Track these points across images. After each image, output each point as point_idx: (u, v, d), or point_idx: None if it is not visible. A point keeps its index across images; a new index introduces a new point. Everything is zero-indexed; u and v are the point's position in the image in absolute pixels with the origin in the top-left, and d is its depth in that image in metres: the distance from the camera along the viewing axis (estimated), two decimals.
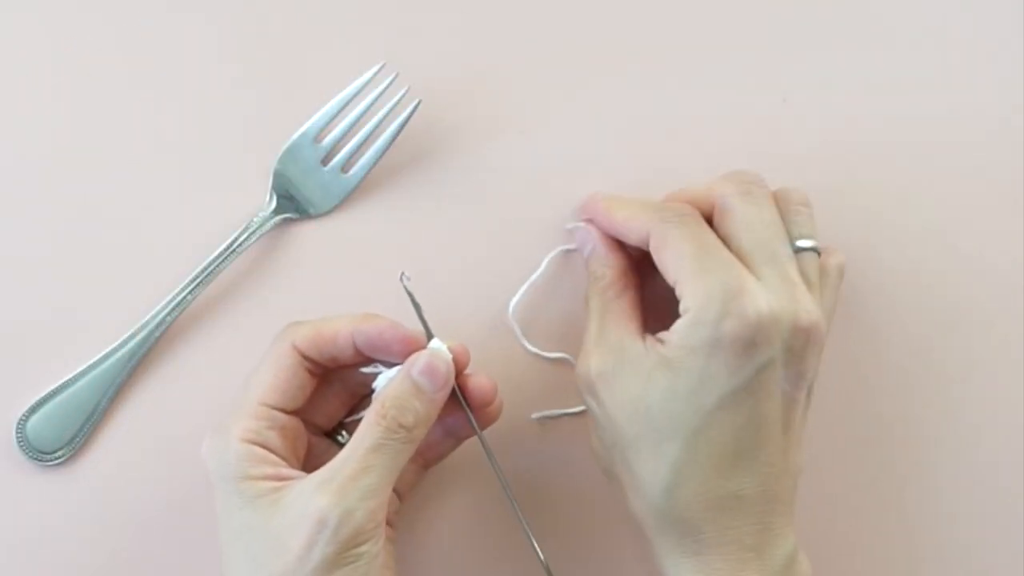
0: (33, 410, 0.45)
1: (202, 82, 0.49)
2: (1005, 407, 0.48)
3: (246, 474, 0.37)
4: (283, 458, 0.39)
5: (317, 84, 0.48)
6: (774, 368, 0.38)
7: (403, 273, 0.41)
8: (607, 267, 0.43)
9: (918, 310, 0.49)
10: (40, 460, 0.45)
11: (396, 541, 0.42)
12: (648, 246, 0.41)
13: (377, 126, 0.47)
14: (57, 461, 0.45)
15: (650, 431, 0.38)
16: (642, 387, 0.39)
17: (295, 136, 0.48)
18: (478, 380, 0.41)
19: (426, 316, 0.41)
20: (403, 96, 0.47)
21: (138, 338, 0.45)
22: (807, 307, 0.39)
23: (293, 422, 0.40)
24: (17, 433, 0.45)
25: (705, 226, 0.40)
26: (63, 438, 0.45)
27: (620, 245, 0.44)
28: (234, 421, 0.39)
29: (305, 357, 0.40)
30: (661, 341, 0.39)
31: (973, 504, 0.48)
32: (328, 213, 0.48)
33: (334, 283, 0.47)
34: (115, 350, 0.45)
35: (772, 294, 0.38)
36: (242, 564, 0.37)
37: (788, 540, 0.39)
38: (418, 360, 0.39)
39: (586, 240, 0.44)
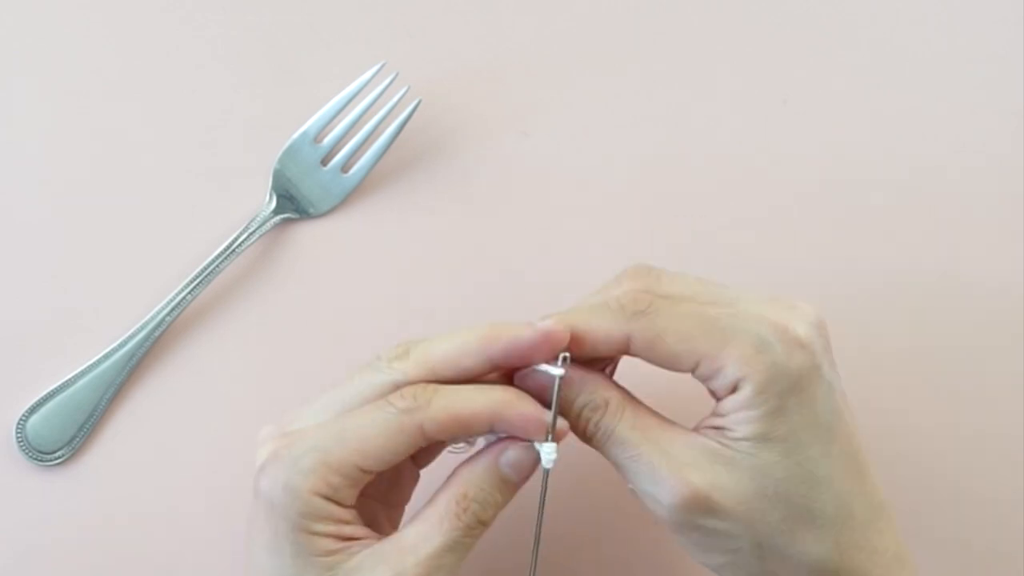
0: (33, 410, 0.45)
1: (202, 82, 0.49)
2: (1005, 408, 0.48)
3: (308, 528, 0.34)
4: (349, 508, 0.35)
5: (317, 84, 0.48)
6: (832, 375, 0.35)
7: (564, 355, 0.35)
8: (602, 390, 0.36)
9: (918, 309, 0.49)
10: (40, 460, 0.45)
11: None
12: (625, 351, 0.35)
13: (377, 126, 0.47)
14: (57, 461, 0.45)
15: (790, 508, 0.34)
16: (754, 476, 0.34)
17: (295, 136, 0.48)
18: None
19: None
20: (403, 96, 0.47)
21: (138, 338, 0.45)
22: (803, 304, 0.36)
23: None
24: (17, 433, 0.45)
25: (678, 298, 0.35)
26: (63, 438, 0.45)
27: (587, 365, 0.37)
28: (317, 466, 0.34)
29: (429, 439, 0.35)
30: (727, 428, 0.34)
31: (973, 505, 0.48)
32: (328, 213, 0.48)
33: (334, 283, 0.47)
34: (115, 350, 0.45)
35: (786, 313, 0.35)
36: None
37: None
38: (508, 451, 0.35)
39: (549, 380, 0.36)
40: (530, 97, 0.50)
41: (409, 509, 0.40)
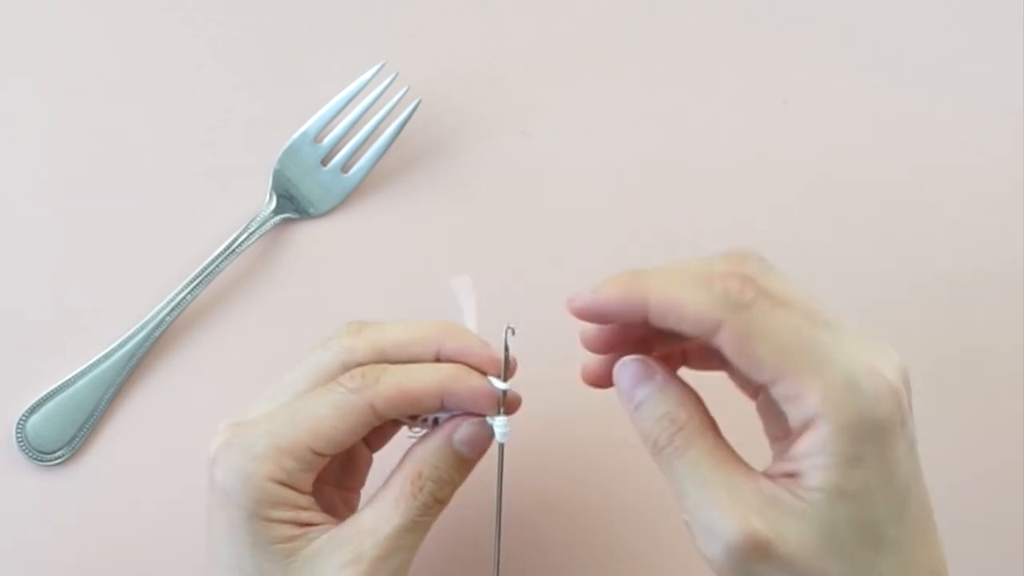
0: (33, 410, 0.45)
1: (202, 82, 0.49)
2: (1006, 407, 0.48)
3: (265, 515, 0.34)
4: (305, 493, 0.35)
5: (317, 84, 0.48)
6: (913, 436, 0.32)
7: (509, 328, 0.36)
8: (689, 407, 0.33)
9: (918, 309, 0.49)
10: (40, 460, 0.45)
11: None
12: (710, 338, 0.32)
13: (377, 126, 0.47)
14: (57, 461, 0.45)
15: (853, 569, 0.31)
16: (821, 530, 0.31)
17: (295, 136, 0.48)
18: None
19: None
20: (403, 96, 0.47)
21: (138, 338, 0.45)
22: (890, 349, 0.33)
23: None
24: (17, 433, 0.45)
25: (780, 301, 0.32)
26: (63, 438, 0.45)
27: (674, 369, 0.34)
28: (269, 451, 0.34)
29: (380, 416, 0.35)
30: (799, 475, 0.31)
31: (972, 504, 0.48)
32: (328, 213, 0.48)
33: (334, 283, 0.47)
34: (115, 350, 0.45)
35: (878, 356, 0.32)
36: None
37: None
38: (461, 427, 0.35)
39: (640, 378, 0.34)
40: (530, 97, 0.50)
41: (365, 493, 0.40)
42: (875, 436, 0.30)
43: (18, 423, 0.45)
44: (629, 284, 0.33)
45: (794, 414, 0.31)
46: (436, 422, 0.37)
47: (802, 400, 0.30)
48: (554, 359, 0.47)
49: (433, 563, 0.45)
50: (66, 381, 0.45)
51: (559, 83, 0.50)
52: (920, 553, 0.32)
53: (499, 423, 0.35)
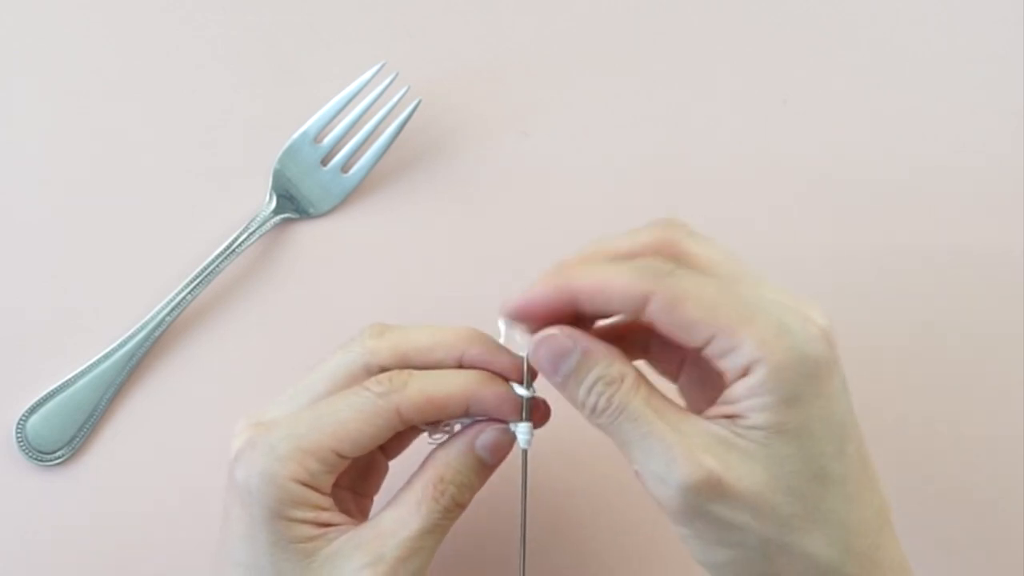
0: (33, 410, 0.45)
1: (202, 82, 0.49)
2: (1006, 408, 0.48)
3: (286, 515, 0.34)
4: (326, 494, 0.35)
5: (317, 84, 0.48)
6: (844, 376, 0.34)
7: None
8: (624, 365, 0.34)
9: (918, 309, 0.49)
10: (40, 460, 0.45)
11: None
12: (640, 312, 0.32)
13: (377, 126, 0.47)
14: (57, 461, 0.45)
15: (803, 504, 0.32)
16: (768, 467, 0.32)
17: (295, 136, 0.48)
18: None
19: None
20: (403, 96, 0.47)
21: (138, 338, 0.45)
22: (815, 304, 0.34)
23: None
24: (17, 433, 0.45)
25: (704, 264, 0.34)
26: (63, 438, 0.45)
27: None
28: (293, 452, 0.34)
29: (405, 421, 0.35)
30: (739, 416, 0.32)
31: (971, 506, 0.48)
32: (328, 213, 0.48)
33: (334, 283, 0.47)
34: (115, 350, 0.45)
35: (803, 305, 0.33)
36: None
37: None
38: (484, 433, 0.35)
39: (564, 348, 0.33)
40: (530, 97, 0.50)
41: (378, 501, 0.40)
42: (810, 375, 0.31)
43: (18, 423, 0.45)
44: (555, 277, 0.34)
45: (730, 366, 0.32)
46: (453, 427, 0.37)
47: (738, 351, 0.31)
48: None
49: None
50: (66, 381, 0.45)
51: (559, 83, 0.50)
52: (865, 490, 0.33)
53: (522, 429, 0.35)
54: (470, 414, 0.36)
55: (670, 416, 0.33)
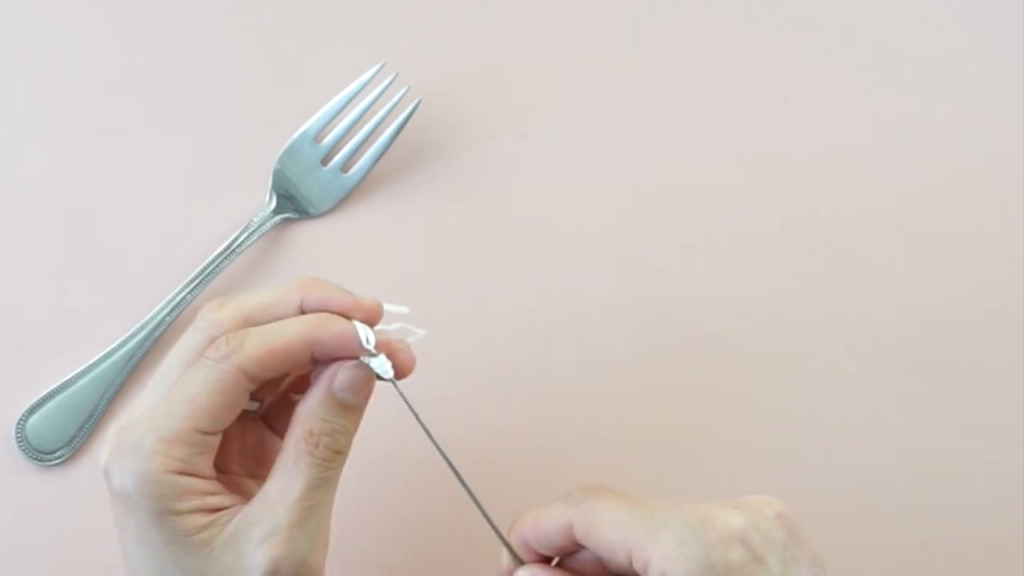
0: (33, 410, 0.45)
1: (202, 82, 0.49)
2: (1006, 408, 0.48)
3: (171, 509, 0.33)
4: (209, 478, 0.35)
5: (317, 84, 0.48)
6: (792, 570, 0.33)
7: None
8: None
9: (918, 308, 0.49)
10: (40, 460, 0.45)
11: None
12: (573, 539, 0.35)
13: (377, 126, 0.47)
14: (57, 461, 0.45)
15: None
16: None
17: (295, 136, 0.48)
18: (400, 356, 0.36)
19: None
20: (403, 96, 0.47)
21: (138, 338, 0.45)
22: (760, 499, 0.35)
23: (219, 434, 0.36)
24: (17, 433, 0.45)
25: (619, 489, 0.35)
26: (63, 438, 0.45)
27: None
28: (156, 444, 0.33)
29: (252, 379, 0.34)
30: None
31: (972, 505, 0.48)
32: (328, 213, 0.48)
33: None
34: (115, 350, 0.45)
35: (726, 508, 0.34)
36: None
37: None
38: (339, 375, 0.35)
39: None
40: (530, 97, 0.50)
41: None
42: None
43: (18, 423, 0.45)
44: (513, 528, 0.36)
45: None
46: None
47: (650, 565, 0.32)
48: (553, 357, 0.48)
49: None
50: (66, 381, 0.45)
51: (559, 83, 0.50)
52: None
53: (376, 363, 0.35)
54: (315, 358, 0.35)
55: None
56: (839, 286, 0.49)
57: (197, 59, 0.49)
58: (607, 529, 0.34)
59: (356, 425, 0.35)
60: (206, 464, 0.34)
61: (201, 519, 0.34)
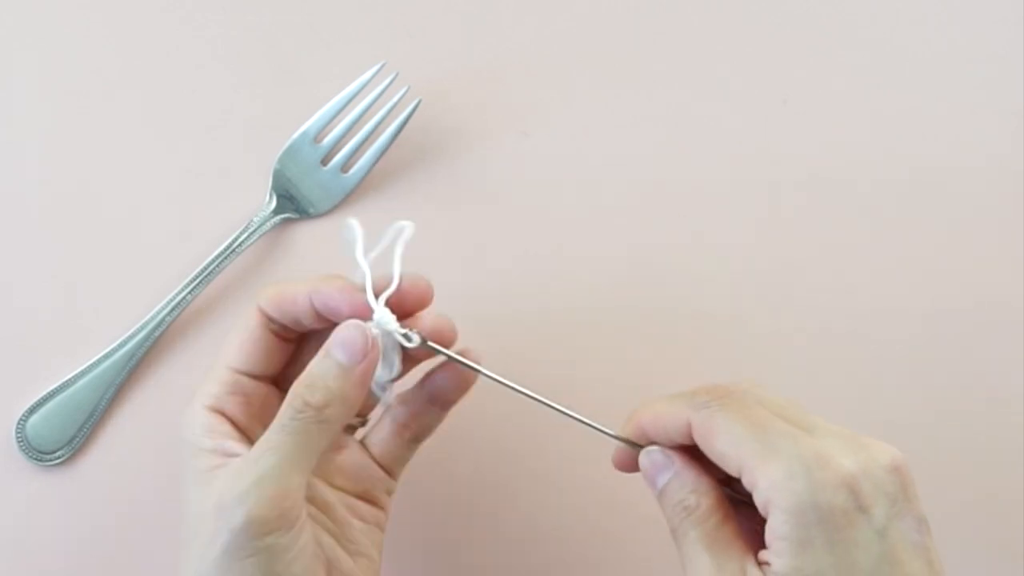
0: (33, 410, 0.45)
1: (202, 82, 0.49)
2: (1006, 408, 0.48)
3: (200, 445, 0.36)
4: (242, 428, 0.37)
5: (317, 84, 0.48)
6: (895, 525, 0.33)
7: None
8: (699, 493, 0.35)
9: (918, 309, 0.49)
10: (40, 460, 0.45)
11: (386, 526, 0.40)
12: (693, 440, 0.35)
13: (377, 126, 0.47)
14: (57, 461, 0.45)
15: None
16: None
17: (295, 136, 0.48)
18: (436, 321, 0.38)
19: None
20: (403, 96, 0.47)
21: (138, 338, 0.45)
22: (881, 446, 0.34)
23: (263, 389, 0.38)
24: (17, 433, 0.45)
25: (749, 400, 0.35)
26: (63, 438, 0.45)
27: (709, 468, 0.36)
28: (202, 385, 0.37)
29: (270, 319, 0.38)
30: (768, 563, 0.33)
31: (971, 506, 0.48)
32: (328, 213, 0.48)
33: None
34: (115, 350, 0.45)
35: (845, 449, 0.33)
36: (182, 543, 0.36)
37: None
38: (335, 333, 0.36)
39: (661, 466, 0.36)
40: (530, 97, 0.50)
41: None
42: (821, 521, 0.32)
43: (18, 423, 0.45)
44: (632, 417, 0.37)
45: (758, 503, 0.33)
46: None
47: (757, 489, 0.33)
48: (553, 357, 0.48)
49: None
50: (66, 381, 0.45)
51: (559, 83, 0.50)
52: None
53: (378, 315, 0.36)
54: (317, 310, 0.37)
55: (720, 553, 0.34)
56: (839, 286, 0.49)
57: (197, 59, 0.49)
58: (722, 442, 0.34)
59: (341, 388, 0.35)
60: (237, 408, 0.37)
61: (216, 459, 0.35)
